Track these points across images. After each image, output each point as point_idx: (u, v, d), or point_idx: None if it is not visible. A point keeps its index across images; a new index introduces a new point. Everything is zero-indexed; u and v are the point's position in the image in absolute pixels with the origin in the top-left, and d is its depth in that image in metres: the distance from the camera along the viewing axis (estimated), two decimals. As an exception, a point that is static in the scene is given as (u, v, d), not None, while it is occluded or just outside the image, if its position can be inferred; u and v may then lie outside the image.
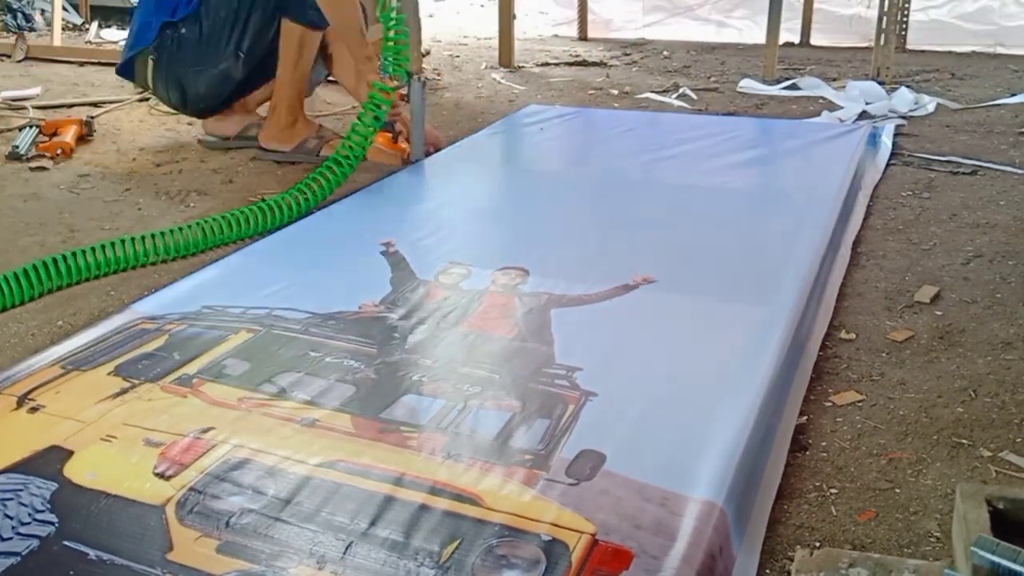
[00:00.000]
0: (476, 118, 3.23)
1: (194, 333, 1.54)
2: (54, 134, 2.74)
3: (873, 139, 2.78)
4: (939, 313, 1.70)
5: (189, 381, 1.38)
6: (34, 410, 1.30)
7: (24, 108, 3.25)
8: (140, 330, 1.55)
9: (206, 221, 1.99)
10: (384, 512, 1.09)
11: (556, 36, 5.04)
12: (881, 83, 3.47)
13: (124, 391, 1.35)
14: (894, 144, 2.77)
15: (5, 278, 1.71)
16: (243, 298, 1.66)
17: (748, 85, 3.62)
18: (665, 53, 4.45)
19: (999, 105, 3.25)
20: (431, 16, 5.31)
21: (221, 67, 2.58)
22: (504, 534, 1.05)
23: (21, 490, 1.12)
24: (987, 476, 1.23)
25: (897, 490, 1.20)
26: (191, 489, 1.12)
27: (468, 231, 2.11)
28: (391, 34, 2.37)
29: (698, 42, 4.73)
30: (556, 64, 4.23)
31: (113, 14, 5.48)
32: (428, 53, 4.28)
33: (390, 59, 2.39)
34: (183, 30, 2.54)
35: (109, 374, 1.40)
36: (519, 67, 4.13)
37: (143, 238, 1.90)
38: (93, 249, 1.84)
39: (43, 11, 5.14)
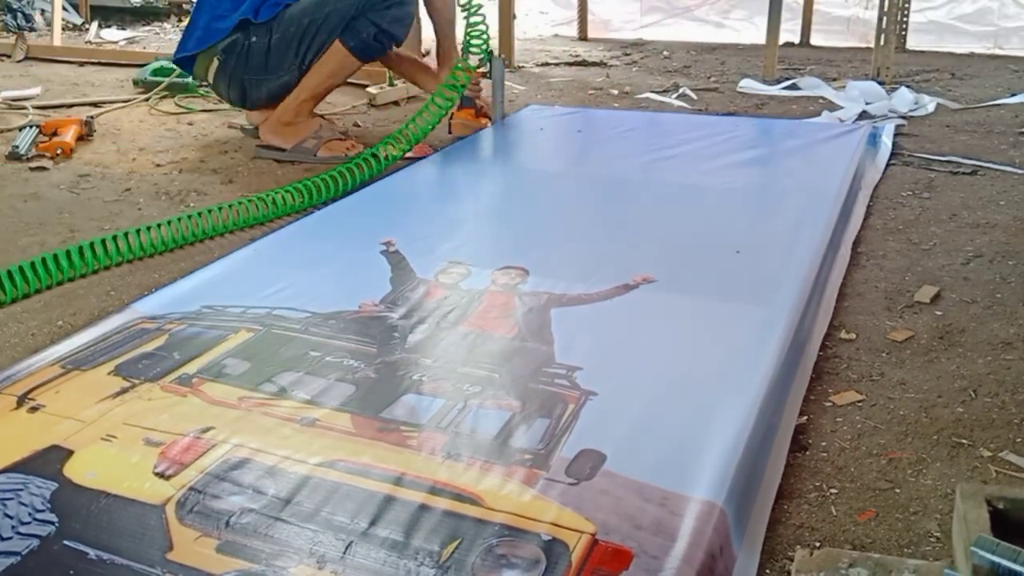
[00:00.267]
0: (476, 118, 3.23)
1: (194, 333, 1.54)
2: (54, 134, 2.74)
3: (873, 139, 2.78)
4: (939, 313, 1.70)
5: (189, 381, 1.38)
6: (34, 409, 1.31)
7: (24, 108, 3.25)
8: (140, 330, 1.55)
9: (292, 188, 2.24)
10: (384, 512, 1.09)
11: (556, 36, 5.04)
12: (881, 83, 3.47)
13: (124, 391, 1.35)
14: (894, 144, 2.77)
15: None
16: (243, 298, 1.66)
17: (748, 85, 3.62)
18: (665, 53, 4.45)
19: (999, 105, 3.25)
20: (431, 16, 5.31)
21: (284, 79, 2.65)
22: (504, 534, 1.05)
23: (21, 490, 1.12)
24: (987, 476, 1.23)
25: (897, 490, 1.20)
26: (191, 489, 1.12)
27: (468, 231, 2.11)
28: (474, 19, 2.72)
29: (698, 42, 4.73)
30: (556, 64, 4.23)
31: (113, 14, 5.49)
32: (428, 53, 4.28)
33: (474, 42, 2.72)
34: (254, 38, 2.60)
35: (109, 374, 1.40)
36: (519, 67, 4.13)
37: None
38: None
39: (43, 11, 5.14)
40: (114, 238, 1.91)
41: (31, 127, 2.77)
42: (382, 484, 1.14)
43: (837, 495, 1.19)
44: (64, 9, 5.03)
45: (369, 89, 3.42)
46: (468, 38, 2.74)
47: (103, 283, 1.84)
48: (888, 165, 2.60)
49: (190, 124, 3.09)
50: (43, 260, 1.79)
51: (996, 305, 1.72)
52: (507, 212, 2.28)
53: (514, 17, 4.18)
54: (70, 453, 1.19)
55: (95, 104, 3.35)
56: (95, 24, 5.03)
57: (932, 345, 1.58)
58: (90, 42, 4.75)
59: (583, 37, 4.94)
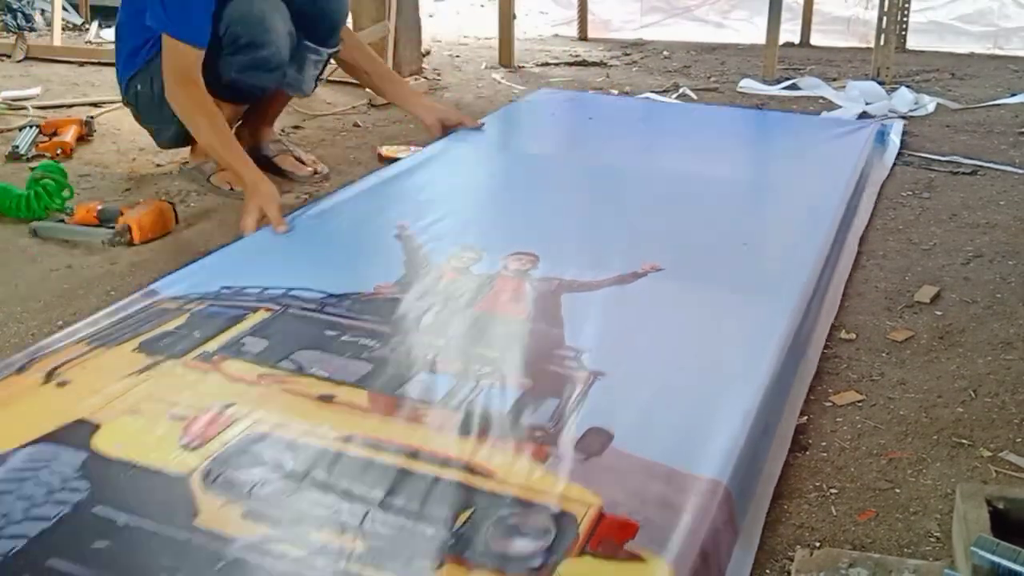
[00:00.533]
0: (476, 118, 3.23)
1: (214, 312, 1.58)
2: (54, 134, 2.74)
3: (881, 136, 2.79)
4: (939, 313, 1.70)
5: (210, 358, 1.43)
6: (61, 384, 1.35)
7: (24, 108, 3.25)
8: (161, 310, 1.58)
9: None
10: (400, 484, 1.13)
11: (556, 36, 5.04)
12: (881, 83, 3.46)
13: (148, 367, 1.39)
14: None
15: None
16: (260, 279, 1.69)
17: (748, 85, 3.61)
18: (665, 53, 4.45)
19: (999, 105, 3.25)
20: (431, 16, 5.30)
21: (177, 127, 2.28)
22: (515, 505, 1.10)
23: (51, 460, 1.17)
24: (987, 476, 1.23)
25: (897, 490, 1.20)
26: (215, 460, 1.17)
27: (480, 217, 2.14)
28: None
29: (697, 42, 4.73)
30: (556, 64, 4.22)
31: (113, 14, 5.47)
32: (428, 53, 4.28)
33: None
34: (139, 87, 2.34)
35: (133, 351, 1.44)
36: (519, 67, 4.13)
37: None
38: None
39: (43, 11, 5.13)
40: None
41: (31, 127, 2.77)
42: (397, 458, 1.18)
43: (837, 495, 1.19)
44: (64, 9, 5.02)
45: (369, 89, 3.42)
46: None
47: (103, 283, 1.84)
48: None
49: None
50: None
51: (996, 305, 1.72)
52: (518, 199, 2.27)
53: (514, 17, 4.18)
54: (97, 427, 1.24)
55: (95, 104, 3.34)
56: (95, 24, 5.03)
57: (932, 345, 1.58)
58: (90, 42, 4.75)
59: (583, 37, 4.93)
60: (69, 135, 2.74)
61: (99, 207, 2.10)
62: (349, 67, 2.67)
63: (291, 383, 1.36)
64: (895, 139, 2.76)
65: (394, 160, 2.61)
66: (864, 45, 4.30)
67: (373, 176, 2.35)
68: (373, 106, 3.34)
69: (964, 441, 1.30)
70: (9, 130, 2.93)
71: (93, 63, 4.13)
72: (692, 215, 2.12)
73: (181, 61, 2.14)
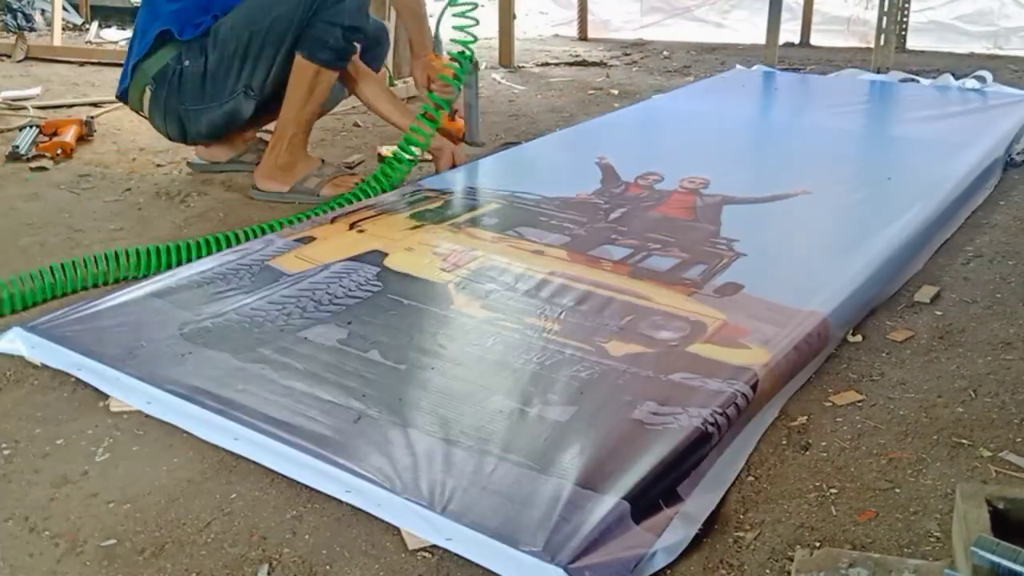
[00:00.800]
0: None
1: (461, 200, 2.25)
2: (54, 134, 2.74)
3: None
4: (939, 313, 1.70)
5: (459, 226, 2.03)
6: (361, 231, 2.00)
7: (24, 108, 3.25)
8: (424, 195, 2.23)
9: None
10: (585, 299, 1.66)
11: (556, 36, 5.04)
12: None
13: (416, 227, 2.02)
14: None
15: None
16: (494, 183, 2.38)
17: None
18: (665, 53, 4.45)
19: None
20: (431, 16, 5.30)
21: (227, 106, 2.32)
22: (663, 315, 1.60)
23: (356, 270, 1.78)
24: (987, 476, 1.23)
25: (897, 490, 1.20)
26: (464, 277, 1.75)
27: (664, 151, 2.70)
28: (461, 22, 2.39)
29: (698, 43, 4.73)
30: (556, 64, 4.23)
31: (113, 14, 5.48)
32: (428, 53, 4.28)
33: (456, 51, 2.44)
34: (186, 62, 2.28)
35: (407, 217, 2.08)
36: (519, 67, 4.13)
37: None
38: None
39: (43, 11, 5.14)
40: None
41: (31, 127, 2.77)
42: (585, 285, 1.71)
43: (837, 495, 1.19)
44: (64, 9, 5.03)
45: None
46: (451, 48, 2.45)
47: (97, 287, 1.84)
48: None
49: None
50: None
51: (996, 305, 1.73)
52: (698, 140, 2.82)
53: (514, 17, 4.18)
54: (386, 254, 1.86)
55: (95, 104, 3.35)
56: (95, 24, 5.04)
57: (932, 345, 1.58)
58: (90, 42, 4.75)
59: (583, 37, 4.94)
60: (69, 135, 2.74)
61: None
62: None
63: (514, 242, 1.94)
64: None
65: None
66: (864, 45, 4.31)
67: (578, 125, 3.00)
68: (373, 106, 3.34)
69: (964, 441, 1.30)
70: (9, 130, 2.93)
71: (93, 63, 4.13)
72: (848, 159, 2.59)
73: None
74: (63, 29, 4.75)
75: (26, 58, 4.21)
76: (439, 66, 2.46)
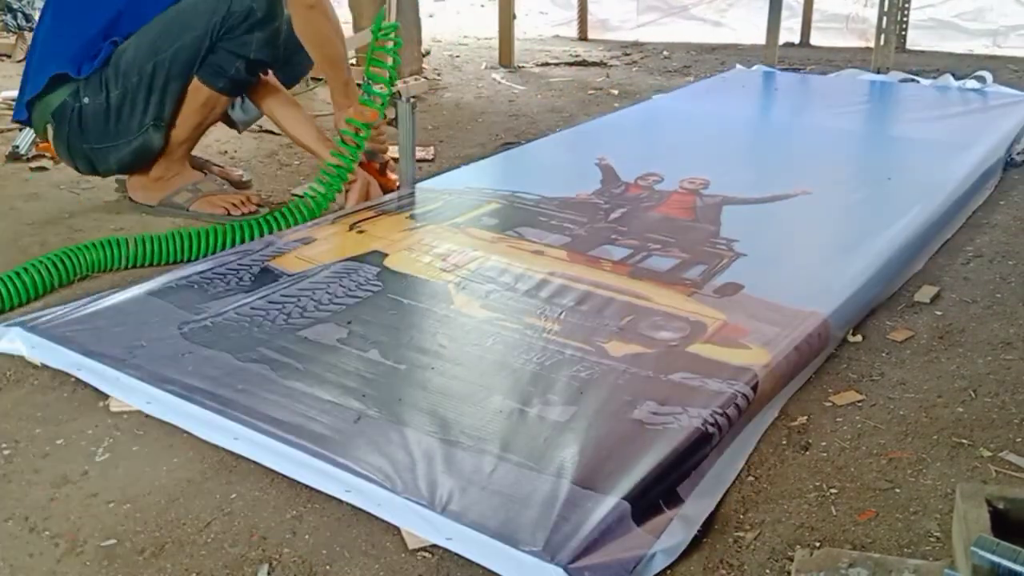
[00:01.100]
0: (476, 118, 3.23)
1: (461, 200, 2.21)
2: (54, 134, 2.74)
3: None
4: (939, 313, 1.70)
5: (458, 226, 2.03)
6: (361, 232, 2.01)
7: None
8: (424, 196, 2.24)
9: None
10: (584, 299, 1.67)
11: (556, 36, 5.04)
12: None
13: (416, 228, 2.03)
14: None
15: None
16: (494, 184, 2.36)
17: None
18: (665, 53, 4.45)
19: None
20: (431, 16, 5.31)
21: (136, 143, 2.13)
22: (663, 315, 1.61)
23: (356, 270, 1.79)
24: (987, 476, 1.23)
25: (897, 490, 1.20)
26: (463, 277, 1.76)
27: (663, 152, 2.67)
28: (383, 47, 2.15)
29: (697, 43, 4.73)
30: (556, 64, 4.23)
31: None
32: (428, 53, 4.28)
33: (374, 87, 2.17)
34: (86, 99, 2.08)
35: (406, 217, 2.10)
36: (519, 67, 4.13)
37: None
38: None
39: (43, 11, 5.13)
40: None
41: (31, 127, 2.76)
42: (584, 285, 1.72)
43: (837, 495, 1.19)
44: (64, 9, 5.02)
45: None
46: (368, 75, 2.19)
47: (102, 284, 1.84)
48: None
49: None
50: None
51: (996, 305, 1.72)
52: (698, 140, 2.82)
53: (514, 17, 4.18)
54: (386, 255, 1.87)
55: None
56: (95, 24, 5.02)
57: (932, 345, 1.58)
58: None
59: (583, 37, 4.93)
60: (69, 135, 2.73)
61: None
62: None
63: (514, 243, 1.94)
64: None
65: (395, 159, 2.62)
66: (863, 43, 4.30)
67: (578, 126, 3.00)
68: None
69: (964, 441, 1.30)
70: (9, 130, 2.93)
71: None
72: (848, 159, 2.61)
73: None
74: (63, 29, 4.74)
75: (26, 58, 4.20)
76: (367, 114, 2.19)
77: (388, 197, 2.24)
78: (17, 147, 2.63)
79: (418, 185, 2.32)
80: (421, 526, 1.10)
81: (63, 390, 1.44)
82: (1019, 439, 1.30)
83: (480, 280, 1.75)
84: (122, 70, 2.07)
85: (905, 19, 4.29)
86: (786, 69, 3.83)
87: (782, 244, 1.97)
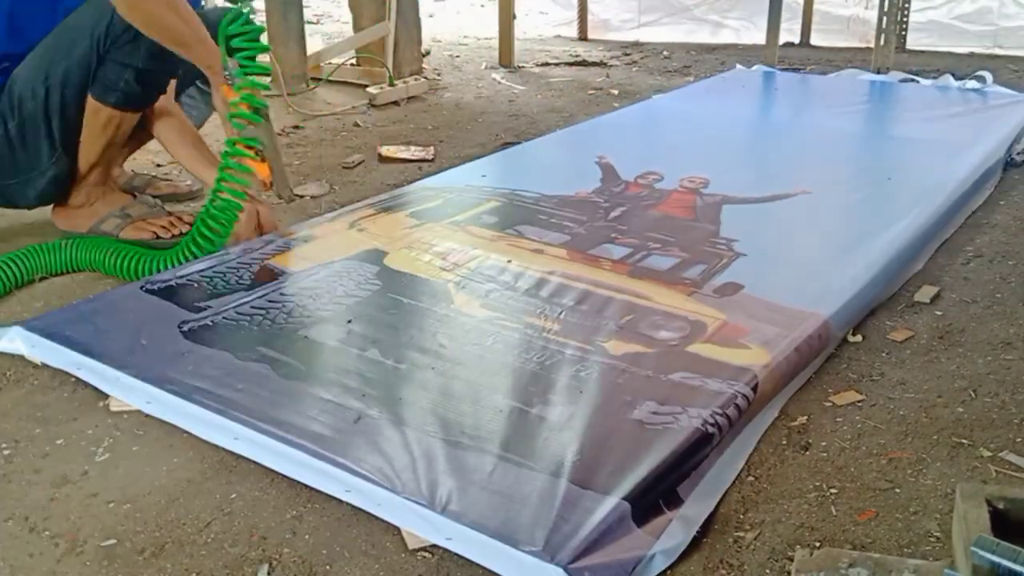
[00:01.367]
0: (476, 118, 3.24)
1: (461, 198, 2.22)
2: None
3: None
4: (939, 313, 1.70)
5: (458, 224, 2.03)
6: (360, 230, 2.00)
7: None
8: (423, 194, 2.25)
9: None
10: (584, 298, 1.67)
11: (556, 36, 5.04)
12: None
13: (416, 226, 2.03)
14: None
15: None
16: (495, 182, 2.35)
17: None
18: (665, 53, 4.45)
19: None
20: (431, 16, 5.31)
21: (51, 173, 1.98)
22: (663, 315, 1.61)
23: (356, 268, 1.79)
24: (987, 476, 1.23)
25: (897, 490, 1.20)
26: (463, 276, 1.76)
27: (663, 151, 2.67)
28: (239, 32, 1.88)
29: (697, 43, 4.73)
30: (556, 64, 4.23)
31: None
32: (428, 53, 4.28)
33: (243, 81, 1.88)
34: None
35: (406, 215, 2.10)
36: (519, 67, 4.13)
37: None
38: None
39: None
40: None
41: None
42: (584, 284, 1.72)
43: (837, 495, 1.19)
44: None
45: (369, 89, 3.42)
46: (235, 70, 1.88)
47: (100, 284, 1.84)
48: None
49: (190, 124, 3.08)
50: None
51: (996, 305, 1.72)
52: (697, 140, 2.82)
53: (514, 17, 4.18)
54: (386, 253, 1.86)
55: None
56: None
57: (932, 345, 1.58)
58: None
59: (583, 37, 4.93)
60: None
61: None
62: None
63: (514, 241, 1.94)
64: None
65: (395, 160, 2.64)
66: (864, 44, 4.30)
67: (578, 125, 3.02)
68: (373, 106, 3.34)
69: (964, 441, 1.30)
70: None
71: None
72: (849, 159, 2.59)
73: None
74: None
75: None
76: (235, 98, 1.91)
77: (389, 196, 2.23)
78: None
79: (417, 183, 2.32)
80: (421, 526, 1.10)
81: (63, 390, 1.44)
82: (1019, 439, 1.30)
83: (480, 279, 1.75)
84: (16, 99, 1.92)
85: (905, 20, 4.29)
86: (786, 69, 3.83)
87: (782, 244, 1.97)
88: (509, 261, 1.82)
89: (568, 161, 2.62)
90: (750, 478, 1.24)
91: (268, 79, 2.01)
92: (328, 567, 1.08)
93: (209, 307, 1.63)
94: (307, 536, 1.12)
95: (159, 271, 1.82)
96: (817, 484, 1.22)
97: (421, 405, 1.33)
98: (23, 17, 1.93)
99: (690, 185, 2.30)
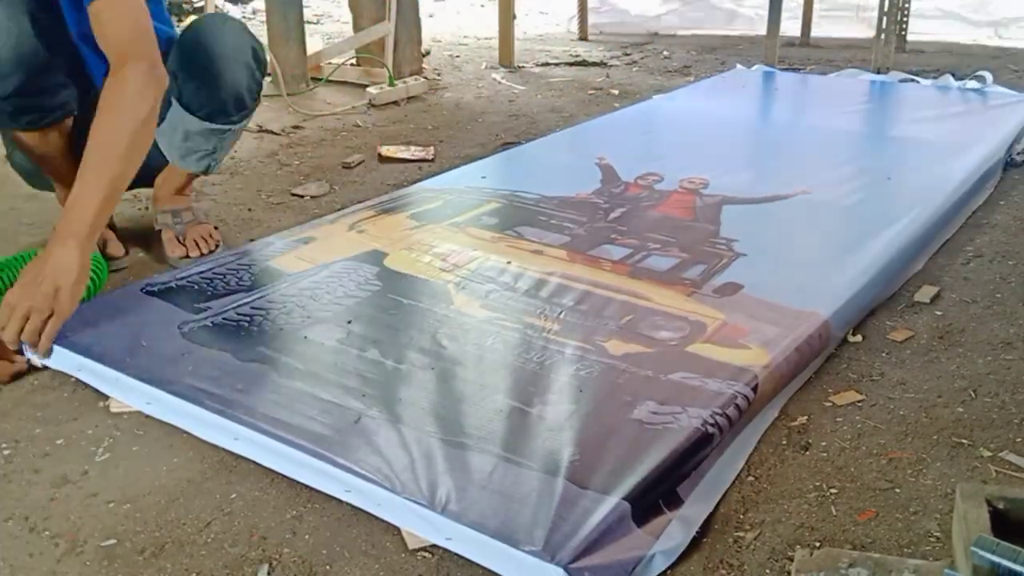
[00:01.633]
0: (476, 118, 3.23)
1: (461, 200, 2.22)
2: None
3: None
4: (939, 313, 1.70)
5: (458, 226, 2.03)
6: (360, 232, 2.00)
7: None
8: (423, 196, 2.25)
9: None
10: (584, 299, 1.67)
11: (556, 36, 5.04)
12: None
13: (416, 227, 2.03)
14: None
15: None
16: (495, 184, 2.35)
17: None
18: (665, 53, 4.45)
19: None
20: (431, 16, 5.31)
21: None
22: (663, 315, 1.61)
23: (357, 269, 1.79)
24: (987, 476, 1.23)
25: (897, 490, 1.20)
26: (463, 277, 1.76)
27: (663, 152, 2.66)
28: None
29: (706, 35, 4.73)
30: (556, 64, 4.22)
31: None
32: (428, 53, 4.28)
33: None
34: None
35: (406, 217, 2.10)
36: (519, 67, 4.13)
37: None
38: None
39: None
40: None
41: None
42: (584, 285, 1.73)
43: (837, 495, 1.19)
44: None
45: (369, 89, 3.42)
46: None
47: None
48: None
49: (190, 124, 3.08)
50: None
51: (996, 305, 1.72)
52: (697, 140, 2.80)
53: (514, 17, 4.18)
54: (386, 254, 1.87)
55: (95, 104, 3.34)
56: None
57: (932, 345, 1.58)
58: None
59: (583, 37, 4.93)
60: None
61: None
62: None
63: (513, 242, 1.94)
64: None
65: (395, 160, 2.64)
66: (870, 33, 4.30)
67: (578, 125, 3.02)
68: (373, 106, 3.34)
69: (964, 441, 1.30)
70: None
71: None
72: (848, 158, 2.57)
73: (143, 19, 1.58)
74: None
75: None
76: None
77: (389, 196, 2.24)
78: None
79: (417, 185, 2.34)
80: (421, 526, 1.10)
81: (63, 390, 1.44)
82: (1019, 439, 1.30)
83: (480, 280, 1.75)
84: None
85: (905, 20, 4.29)
86: (786, 69, 3.83)
87: (782, 244, 1.97)
88: (509, 262, 1.82)
89: (568, 162, 2.61)
90: (750, 478, 1.24)
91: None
92: (328, 567, 1.08)
93: (209, 308, 1.63)
94: (307, 536, 1.12)
95: None
96: (817, 484, 1.22)
97: (421, 405, 1.33)
98: None
99: (690, 186, 2.31)
